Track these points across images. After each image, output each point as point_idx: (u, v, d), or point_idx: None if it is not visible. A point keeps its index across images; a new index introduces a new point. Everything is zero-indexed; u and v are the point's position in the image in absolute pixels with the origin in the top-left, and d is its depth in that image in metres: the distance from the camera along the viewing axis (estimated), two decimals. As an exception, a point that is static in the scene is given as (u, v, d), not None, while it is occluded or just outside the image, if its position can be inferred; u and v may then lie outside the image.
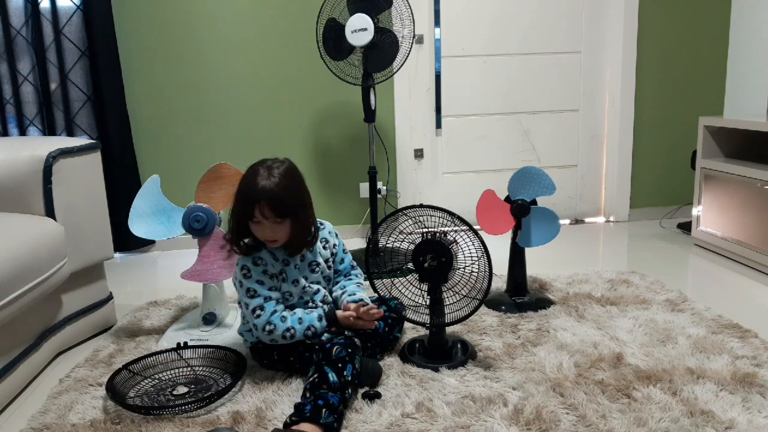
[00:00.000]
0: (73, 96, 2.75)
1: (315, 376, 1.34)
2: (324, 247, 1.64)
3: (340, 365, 1.35)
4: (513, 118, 3.14)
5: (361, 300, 1.60)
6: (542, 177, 1.94)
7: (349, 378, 1.35)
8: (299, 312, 1.53)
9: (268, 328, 1.48)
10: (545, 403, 1.37)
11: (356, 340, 1.47)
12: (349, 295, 1.62)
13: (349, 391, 1.35)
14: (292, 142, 2.98)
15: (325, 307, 1.57)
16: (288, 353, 1.53)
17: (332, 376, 1.33)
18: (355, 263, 1.74)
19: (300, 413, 1.27)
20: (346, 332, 1.49)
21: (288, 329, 1.48)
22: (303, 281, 1.57)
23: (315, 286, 1.59)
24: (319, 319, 1.52)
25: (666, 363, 1.55)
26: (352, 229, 3.06)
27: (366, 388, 1.46)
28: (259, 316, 1.48)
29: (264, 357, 1.58)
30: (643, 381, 1.46)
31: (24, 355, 1.58)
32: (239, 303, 1.58)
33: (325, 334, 1.50)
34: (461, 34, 3.02)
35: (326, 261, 1.64)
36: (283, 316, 1.50)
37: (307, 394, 1.32)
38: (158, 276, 2.64)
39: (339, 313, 1.54)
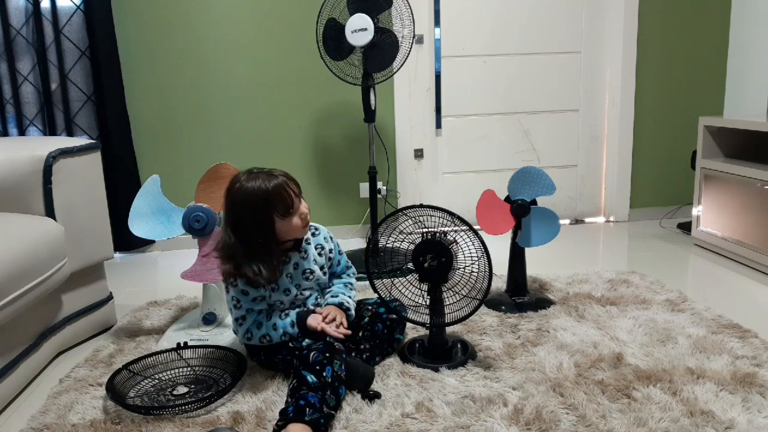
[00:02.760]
0: (73, 96, 2.75)
1: (294, 381, 1.34)
2: (320, 254, 1.63)
3: (318, 368, 1.34)
4: (513, 118, 3.14)
5: (342, 303, 1.59)
6: (542, 177, 1.94)
7: (329, 379, 1.33)
8: (274, 317, 1.54)
9: (246, 335, 1.55)
10: (545, 403, 1.37)
11: (337, 345, 1.45)
12: (332, 297, 1.62)
13: (329, 392, 1.32)
14: (292, 142, 2.98)
15: (300, 310, 1.56)
16: (273, 354, 1.55)
17: (311, 378, 1.32)
18: (349, 263, 1.74)
19: (284, 416, 1.27)
20: (327, 338, 1.47)
21: (264, 336, 1.53)
22: (294, 290, 1.57)
23: (307, 292, 1.60)
24: (292, 325, 1.53)
25: (666, 363, 1.55)
26: (352, 229, 3.06)
27: (367, 390, 1.46)
28: (241, 324, 1.54)
29: (255, 355, 1.62)
30: (643, 381, 1.46)
31: (24, 355, 1.58)
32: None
33: (306, 340, 1.49)
34: (461, 34, 3.02)
35: (321, 268, 1.63)
36: (259, 323, 1.54)
37: (289, 399, 1.32)
38: (158, 276, 2.64)
39: (309, 320, 1.52)
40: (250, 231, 1.45)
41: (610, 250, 2.86)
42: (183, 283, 1.85)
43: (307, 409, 1.26)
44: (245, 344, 1.63)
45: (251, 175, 1.47)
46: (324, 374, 1.33)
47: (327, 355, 1.38)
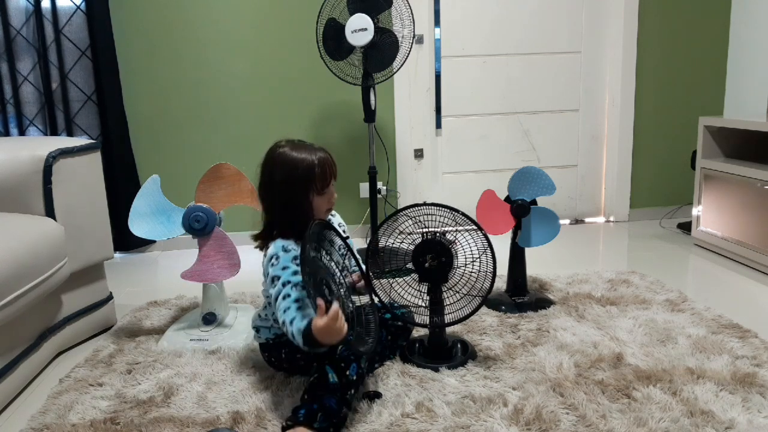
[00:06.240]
0: (73, 96, 2.75)
1: (315, 376, 1.31)
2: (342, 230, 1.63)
3: (343, 364, 1.30)
4: (513, 118, 3.14)
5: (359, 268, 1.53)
6: (542, 177, 1.94)
7: (354, 378, 1.30)
8: (297, 312, 1.29)
9: (282, 317, 1.31)
10: (545, 403, 1.37)
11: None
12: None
13: (352, 391, 1.31)
14: (292, 142, 2.98)
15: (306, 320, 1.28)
16: (296, 351, 1.45)
17: (332, 376, 1.28)
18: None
19: (294, 417, 1.25)
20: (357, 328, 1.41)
21: (284, 322, 1.30)
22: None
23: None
24: (299, 332, 1.25)
25: (666, 363, 1.55)
26: (352, 229, 3.05)
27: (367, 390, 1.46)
28: (285, 298, 1.31)
29: (272, 355, 1.53)
30: (643, 381, 1.46)
31: (24, 355, 1.58)
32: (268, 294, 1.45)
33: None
34: (461, 34, 3.02)
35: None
36: (288, 307, 1.30)
37: (305, 396, 1.29)
38: (158, 276, 2.64)
39: (315, 322, 1.21)
40: (285, 200, 1.40)
41: (610, 250, 2.86)
42: (183, 283, 1.85)
43: (319, 414, 1.23)
44: (267, 341, 1.52)
45: (295, 144, 1.45)
46: (348, 372, 1.29)
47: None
